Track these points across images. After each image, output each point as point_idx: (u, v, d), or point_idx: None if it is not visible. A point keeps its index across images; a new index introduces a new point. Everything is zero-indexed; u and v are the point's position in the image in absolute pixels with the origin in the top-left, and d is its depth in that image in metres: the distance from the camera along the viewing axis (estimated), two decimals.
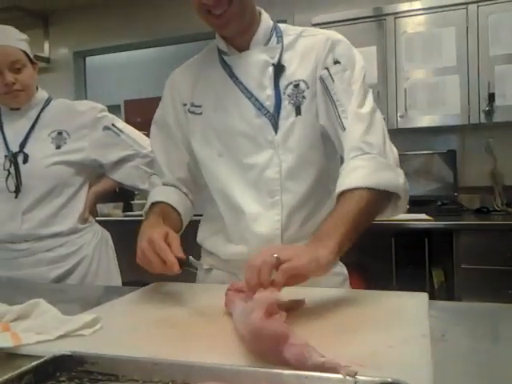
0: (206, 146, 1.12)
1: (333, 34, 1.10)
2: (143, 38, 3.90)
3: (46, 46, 4.21)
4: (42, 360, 0.57)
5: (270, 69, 1.07)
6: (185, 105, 1.15)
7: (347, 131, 1.01)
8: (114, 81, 5.21)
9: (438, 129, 2.98)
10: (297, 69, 1.07)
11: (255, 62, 1.07)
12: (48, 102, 1.64)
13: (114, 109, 3.52)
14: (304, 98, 1.06)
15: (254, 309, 0.63)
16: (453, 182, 3.01)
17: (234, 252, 1.10)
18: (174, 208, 1.13)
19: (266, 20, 1.10)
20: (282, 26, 1.13)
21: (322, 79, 1.05)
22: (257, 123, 1.06)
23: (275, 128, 1.06)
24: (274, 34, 1.10)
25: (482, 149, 3.00)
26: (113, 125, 1.65)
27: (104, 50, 4.20)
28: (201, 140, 1.13)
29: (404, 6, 2.90)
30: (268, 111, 1.06)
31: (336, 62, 1.05)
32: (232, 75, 1.09)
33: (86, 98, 4.07)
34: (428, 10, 2.84)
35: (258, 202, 1.07)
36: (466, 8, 2.75)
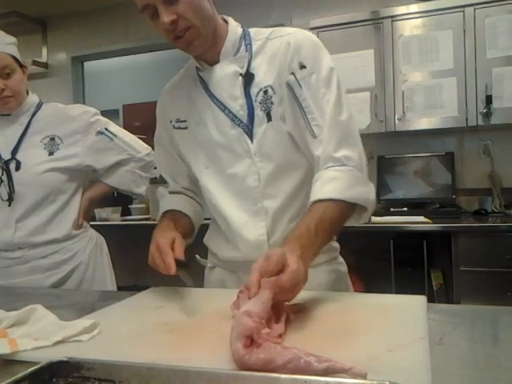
0: (194, 159, 1.17)
1: (297, 33, 1.07)
2: (141, 43, 3.91)
3: (44, 51, 4.21)
4: (38, 366, 0.57)
5: (240, 79, 1.07)
6: (170, 121, 1.19)
7: (324, 139, 1.01)
8: (112, 85, 5.21)
9: (436, 131, 2.99)
10: (265, 75, 1.07)
11: (225, 74, 1.08)
12: (39, 106, 1.61)
13: (112, 113, 3.53)
14: (272, 103, 1.06)
15: (236, 337, 0.62)
16: (451, 184, 3.01)
17: (230, 254, 1.14)
18: (183, 213, 1.19)
19: (234, 29, 1.10)
20: (252, 30, 1.13)
21: (288, 85, 1.04)
22: (232, 134, 1.08)
23: (250, 137, 1.07)
24: (243, 43, 1.10)
25: (480, 151, 3.01)
26: (106, 129, 1.63)
27: (102, 54, 4.21)
28: (189, 153, 1.17)
29: (401, 10, 2.90)
30: (241, 121, 1.07)
31: (302, 67, 1.03)
32: (207, 89, 1.11)
33: (83, 103, 4.08)
34: (425, 13, 2.85)
35: (243, 211, 1.09)
36: (463, 11, 2.76)
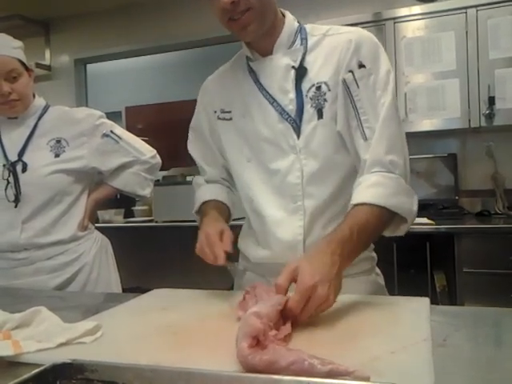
0: (236, 152, 1.14)
1: (358, 33, 1.05)
2: (144, 45, 3.91)
3: (47, 53, 4.22)
4: (42, 368, 0.57)
5: (292, 72, 1.05)
6: (215, 112, 1.17)
7: (373, 143, 0.99)
8: (115, 88, 5.22)
9: (439, 133, 2.98)
10: (319, 70, 1.04)
11: (277, 67, 1.06)
12: (46, 109, 1.63)
13: (115, 115, 3.53)
14: (326, 100, 1.03)
15: (242, 337, 0.62)
16: (454, 185, 3.00)
17: (261, 255, 1.11)
18: (224, 203, 1.20)
19: (291, 22, 1.08)
20: (308, 26, 1.10)
21: (345, 82, 1.01)
22: (279, 128, 1.05)
23: (297, 132, 1.04)
24: (299, 37, 1.08)
25: (483, 152, 3.00)
26: (111, 131, 1.64)
27: (105, 57, 4.21)
28: (231, 145, 1.15)
29: (403, 11, 2.90)
30: (289, 116, 1.04)
31: (361, 66, 1.01)
32: (256, 81, 1.09)
33: (87, 105, 4.09)
34: (427, 14, 2.85)
35: (281, 208, 1.07)
36: (465, 12, 2.75)
